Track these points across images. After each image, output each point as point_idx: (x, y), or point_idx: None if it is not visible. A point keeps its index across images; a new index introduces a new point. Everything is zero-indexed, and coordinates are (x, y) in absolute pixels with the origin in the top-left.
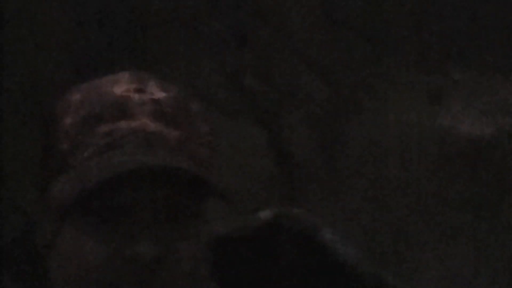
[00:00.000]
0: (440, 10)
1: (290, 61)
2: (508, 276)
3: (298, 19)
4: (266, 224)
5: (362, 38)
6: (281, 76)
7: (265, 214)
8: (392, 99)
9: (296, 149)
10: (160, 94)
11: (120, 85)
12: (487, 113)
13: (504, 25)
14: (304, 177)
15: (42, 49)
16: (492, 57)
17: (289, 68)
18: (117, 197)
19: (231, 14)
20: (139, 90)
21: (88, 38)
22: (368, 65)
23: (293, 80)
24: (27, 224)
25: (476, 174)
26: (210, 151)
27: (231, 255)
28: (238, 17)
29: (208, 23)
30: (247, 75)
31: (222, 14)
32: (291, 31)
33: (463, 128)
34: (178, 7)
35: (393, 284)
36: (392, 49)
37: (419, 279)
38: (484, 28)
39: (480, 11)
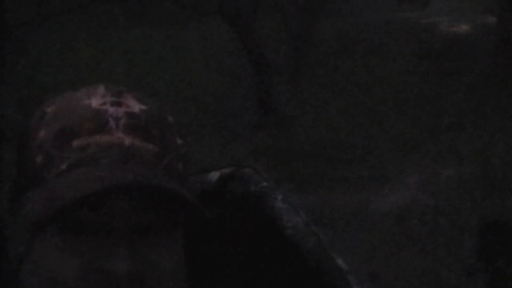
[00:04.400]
0: None
1: None
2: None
3: None
4: (211, 187)
5: None
6: None
7: (211, 176)
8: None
9: (268, 50)
10: (136, 107)
11: (96, 98)
12: (464, 10)
13: None
14: (275, 77)
15: None
16: None
17: None
18: (91, 213)
19: None
20: (115, 103)
21: None
22: None
23: None
24: (1, 237)
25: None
26: (184, 164)
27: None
28: None
29: None
30: None
31: None
32: None
33: (441, 26)
34: None
35: (338, 265)
36: None
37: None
38: None
39: None
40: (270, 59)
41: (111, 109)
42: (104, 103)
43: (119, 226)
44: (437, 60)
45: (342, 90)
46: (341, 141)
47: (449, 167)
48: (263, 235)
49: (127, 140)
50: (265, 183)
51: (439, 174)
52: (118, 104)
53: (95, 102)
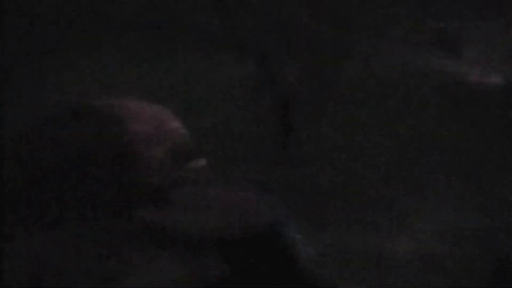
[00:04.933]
0: None
1: (288, 1)
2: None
3: None
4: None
5: None
6: (275, 13)
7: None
8: (395, 42)
9: (292, 87)
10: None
11: (173, 121)
12: (497, 62)
13: None
14: (297, 116)
15: None
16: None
17: (287, 8)
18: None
19: None
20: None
21: None
22: (373, 5)
23: (290, 19)
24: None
25: (480, 121)
26: None
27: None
28: None
29: None
30: (242, 9)
31: None
32: None
33: (472, 76)
34: None
35: None
36: None
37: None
38: None
39: None
40: (291, 97)
41: (185, 133)
42: (180, 127)
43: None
44: (463, 108)
45: (363, 132)
46: (359, 182)
47: (467, 215)
48: (282, 266)
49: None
50: (280, 211)
51: (456, 221)
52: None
53: (177, 126)
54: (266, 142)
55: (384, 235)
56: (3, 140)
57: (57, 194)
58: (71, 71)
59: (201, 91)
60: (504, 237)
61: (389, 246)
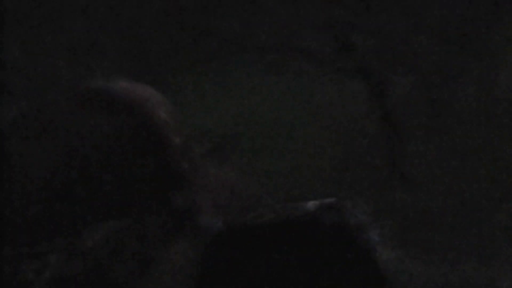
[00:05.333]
0: None
1: (403, 19)
2: None
3: None
4: (308, 216)
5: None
6: (394, 34)
7: (309, 205)
8: (507, 65)
9: (401, 109)
10: None
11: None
12: None
13: None
14: (407, 137)
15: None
16: None
17: (405, 26)
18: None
19: None
20: None
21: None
22: (488, 24)
23: (407, 39)
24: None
25: None
26: None
27: (266, 246)
28: None
29: None
30: (354, 30)
31: None
32: None
33: None
34: None
35: None
36: None
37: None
38: None
39: None
40: (403, 120)
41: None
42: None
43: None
44: None
45: (476, 158)
46: (469, 210)
47: None
48: (356, 267)
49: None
50: (364, 217)
51: None
52: None
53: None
54: (376, 164)
55: (498, 266)
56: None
57: (96, 189)
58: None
59: (311, 112)
60: None
61: (503, 279)
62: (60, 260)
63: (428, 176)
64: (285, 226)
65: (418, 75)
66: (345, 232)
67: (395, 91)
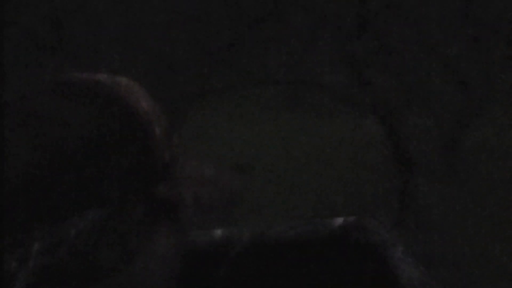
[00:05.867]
0: None
1: (422, 58)
2: None
3: (435, 15)
4: (334, 232)
5: (502, 40)
6: (410, 73)
7: (335, 222)
8: None
9: (415, 148)
10: None
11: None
12: None
13: None
14: (420, 176)
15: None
16: None
17: (420, 66)
18: None
19: (356, 2)
20: None
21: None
22: (502, 68)
23: (423, 78)
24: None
25: None
26: None
27: (293, 259)
28: (364, 6)
29: (329, 8)
30: (371, 67)
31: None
32: (427, 27)
33: None
34: None
35: None
36: None
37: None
38: None
39: None
40: (416, 159)
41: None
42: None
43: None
44: None
45: (490, 201)
46: (483, 255)
47: None
48: (380, 284)
49: None
50: (387, 234)
51: None
52: None
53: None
54: (388, 202)
55: None
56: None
57: (79, 179)
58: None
59: (326, 148)
60: None
61: None
62: (43, 249)
63: (441, 218)
64: (311, 241)
65: (432, 115)
66: (369, 249)
67: (409, 129)
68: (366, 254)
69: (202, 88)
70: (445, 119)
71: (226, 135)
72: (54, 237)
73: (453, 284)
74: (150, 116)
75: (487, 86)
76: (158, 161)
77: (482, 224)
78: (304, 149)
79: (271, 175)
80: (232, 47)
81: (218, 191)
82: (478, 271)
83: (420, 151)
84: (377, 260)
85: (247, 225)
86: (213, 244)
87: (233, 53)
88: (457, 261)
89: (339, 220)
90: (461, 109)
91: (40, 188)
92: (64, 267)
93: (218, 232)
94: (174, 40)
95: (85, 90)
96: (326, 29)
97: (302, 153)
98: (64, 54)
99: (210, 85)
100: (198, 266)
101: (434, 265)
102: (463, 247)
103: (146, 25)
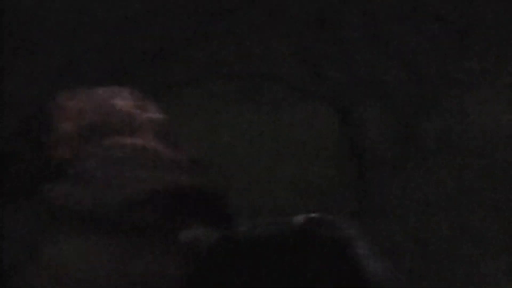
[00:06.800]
0: None
1: (372, 50)
2: None
3: (390, 9)
4: (296, 230)
5: (451, 31)
6: (361, 65)
7: (297, 219)
8: (476, 98)
9: (370, 140)
10: (157, 114)
11: (123, 100)
12: None
13: None
14: (374, 166)
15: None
16: None
17: (372, 57)
18: (132, 214)
19: None
20: (141, 108)
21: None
22: (455, 59)
23: (378, 71)
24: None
25: None
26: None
27: (259, 258)
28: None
29: (286, 1)
30: (327, 60)
31: None
32: (382, 20)
33: None
34: None
35: None
36: (483, 44)
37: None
38: None
39: None
40: (372, 150)
41: (138, 113)
42: (131, 106)
43: (151, 228)
44: None
45: (443, 190)
46: (444, 243)
47: None
48: (344, 280)
49: (158, 146)
50: (350, 230)
51: None
52: (143, 109)
53: (123, 104)
54: (344, 194)
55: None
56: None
57: None
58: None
59: (282, 140)
60: None
61: None
62: None
63: (395, 206)
64: (275, 239)
65: (387, 105)
66: (333, 245)
67: (365, 121)
68: (330, 250)
69: (160, 83)
70: (401, 110)
71: (183, 129)
72: None
73: (418, 273)
74: (60, 111)
75: (441, 77)
76: (54, 159)
77: (441, 211)
78: (261, 142)
79: (228, 169)
80: (189, 42)
81: (118, 191)
82: (440, 258)
83: (376, 142)
84: (341, 256)
85: (213, 226)
86: (181, 245)
87: (190, 47)
88: (418, 250)
89: (302, 218)
90: (416, 100)
91: None
92: None
93: (186, 233)
94: (130, 34)
95: None
96: (283, 23)
97: (259, 146)
98: None
99: (167, 80)
100: (167, 267)
101: (396, 255)
102: (423, 235)
103: (103, 18)
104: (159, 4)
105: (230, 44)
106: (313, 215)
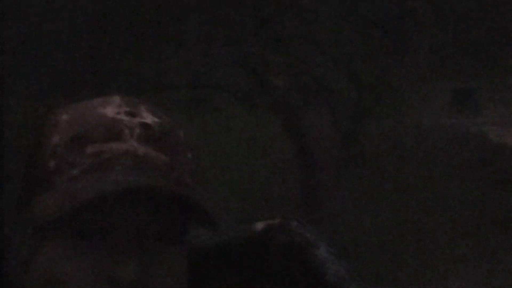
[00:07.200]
0: (472, 10)
1: (315, 57)
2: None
3: (329, 16)
4: (257, 236)
5: (388, 38)
6: (306, 72)
7: (258, 226)
8: (415, 101)
9: (316, 144)
10: (149, 119)
11: (111, 107)
12: None
13: None
14: (321, 170)
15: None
16: None
17: (314, 64)
18: (101, 217)
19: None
20: (130, 113)
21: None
22: (393, 65)
23: (318, 76)
24: (2, 240)
25: (496, 181)
26: (193, 179)
27: (220, 266)
28: (260, 8)
29: (226, 10)
30: (268, 68)
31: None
32: (322, 28)
33: (490, 136)
34: None
35: None
36: (419, 50)
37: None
38: None
39: None
40: (316, 155)
41: (126, 119)
42: (118, 113)
43: (128, 233)
44: (487, 168)
45: (386, 190)
46: (382, 241)
47: (477, 280)
48: (306, 283)
49: (141, 149)
50: (309, 234)
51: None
52: (133, 115)
53: (110, 111)
54: (291, 199)
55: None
56: None
57: None
58: None
59: (231, 145)
60: None
61: None
62: None
63: (342, 209)
64: (237, 246)
65: (329, 112)
66: (293, 250)
67: (308, 126)
68: (290, 255)
69: (98, 96)
70: (342, 114)
71: None
72: None
73: (367, 272)
74: (49, 124)
75: (378, 82)
76: (40, 171)
77: (383, 210)
78: (207, 152)
79: None
80: (128, 53)
81: (86, 195)
82: (385, 257)
83: (319, 146)
84: (302, 261)
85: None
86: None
87: (129, 58)
88: (363, 250)
89: (262, 224)
90: (356, 105)
91: None
92: None
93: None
94: (66, 48)
95: None
96: (223, 31)
97: (205, 155)
98: None
99: (106, 92)
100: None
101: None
102: (368, 235)
103: (41, 31)
104: (96, 14)
105: (170, 55)
106: (272, 221)
